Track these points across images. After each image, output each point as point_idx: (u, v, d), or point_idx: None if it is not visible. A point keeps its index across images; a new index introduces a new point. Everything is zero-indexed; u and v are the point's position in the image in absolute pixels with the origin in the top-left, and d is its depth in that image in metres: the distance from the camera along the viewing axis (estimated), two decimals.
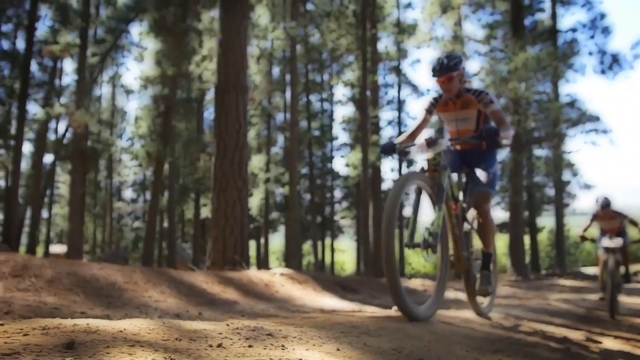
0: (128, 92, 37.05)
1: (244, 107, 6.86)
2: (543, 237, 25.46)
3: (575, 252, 26.70)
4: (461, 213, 3.63)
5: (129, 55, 31.81)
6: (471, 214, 3.79)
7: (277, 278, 5.28)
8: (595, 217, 7.07)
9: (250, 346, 1.39)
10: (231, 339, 1.45)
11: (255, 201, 26.93)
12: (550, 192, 22.91)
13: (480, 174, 3.62)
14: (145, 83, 21.16)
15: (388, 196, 2.83)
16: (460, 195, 3.68)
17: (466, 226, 3.76)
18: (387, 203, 2.80)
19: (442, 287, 3.32)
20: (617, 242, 6.36)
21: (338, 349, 1.51)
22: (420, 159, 3.36)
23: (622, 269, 6.44)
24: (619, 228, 7.06)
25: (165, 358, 1.19)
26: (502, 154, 20.64)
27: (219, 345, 1.36)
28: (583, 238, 6.90)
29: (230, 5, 7.03)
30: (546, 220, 24.76)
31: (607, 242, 6.44)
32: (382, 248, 2.69)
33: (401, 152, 3.36)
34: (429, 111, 3.64)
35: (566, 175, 21.88)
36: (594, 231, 7.49)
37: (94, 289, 3.38)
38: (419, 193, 3.10)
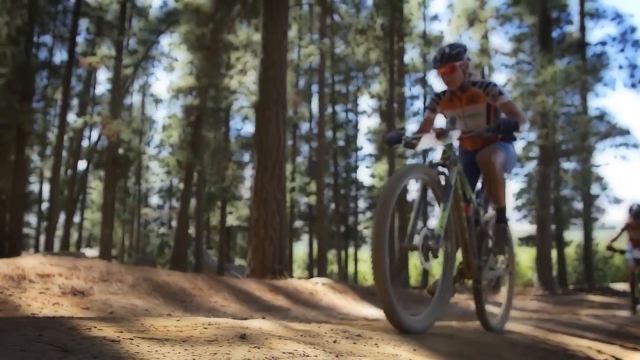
0: (157, 101, 38.01)
1: (283, 123, 7.16)
2: (570, 252, 25.10)
3: (603, 267, 26.23)
4: (474, 216, 3.28)
5: (158, 65, 32.78)
6: (486, 216, 3.47)
7: (319, 287, 5.51)
8: (627, 227, 6.69)
9: (354, 343, 1.60)
10: (336, 337, 1.67)
11: None
12: (578, 205, 22.64)
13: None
14: (176, 93, 21.74)
15: (383, 190, 2.49)
16: (474, 197, 3.34)
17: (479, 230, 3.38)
18: (381, 198, 2.44)
19: (443, 297, 2.92)
20: None
21: (414, 349, 1.72)
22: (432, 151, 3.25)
23: None
24: None
25: (311, 347, 1.44)
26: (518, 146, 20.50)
27: (335, 341, 1.58)
28: (610, 248, 6.60)
29: (272, 25, 7.35)
30: (574, 234, 24.43)
31: (638, 253, 6.23)
32: (372, 248, 2.37)
33: (407, 143, 3.04)
34: (433, 109, 3.34)
35: (595, 189, 21.61)
36: (622, 243, 7.00)
37: (169, 293, 3.65)
38: (423, 190, 2.77)
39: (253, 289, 4.65)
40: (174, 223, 41.83)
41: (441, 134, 2.85)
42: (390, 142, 3.13)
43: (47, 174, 27.64)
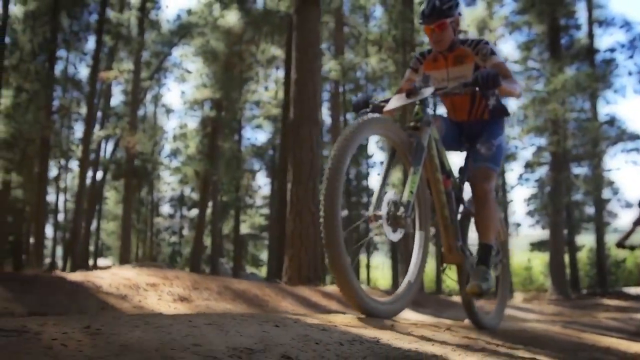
0: (169, 111, 38.64)
1: (316, 139, 7.53)
2: (583, 256, 25.24)
3: (616, 272, 26.31)
4: (456, 193, 2.93)
5: (170, 76, 33.39)
6: (470, 199, 3.07)
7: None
8: (639, 223, 6.29)
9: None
10: (455, 333, 2.05)
11: None
12: (590, 210, 22.82)
13: (482, 145, 2.93)
14: (192, 105, 22.26)
15: (335, 146, 2.14)
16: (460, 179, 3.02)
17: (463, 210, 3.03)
18: (331, 157, 2.10)
19: (415, 278, 2.53)
20: None
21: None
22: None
23: None
24: None
25: (463, 336, 1.80)
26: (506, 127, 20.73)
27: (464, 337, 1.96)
28: (620, 245, 6.23)
29: (304, 45, 7.74)
30: (585, 239, 24.57)
31: None
32: (323, 220, 2.06)
33: (375, 107, 2.70)
34: (415, 69, 2.97)
35: (606, 194, 21.81)
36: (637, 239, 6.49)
37: (247, 299, 4.00)
38: (392, 153, 2.48)
39: (308, 295, 5.00)
40: (185, 232, 42.34)
41: (412, 92, 2.51)
42: (357, 107, 2.75)
43: (62, 184, 28.23)
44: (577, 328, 4.29)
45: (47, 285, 2.76)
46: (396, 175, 18.25)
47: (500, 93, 2.80)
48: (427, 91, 2.54)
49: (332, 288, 5.85)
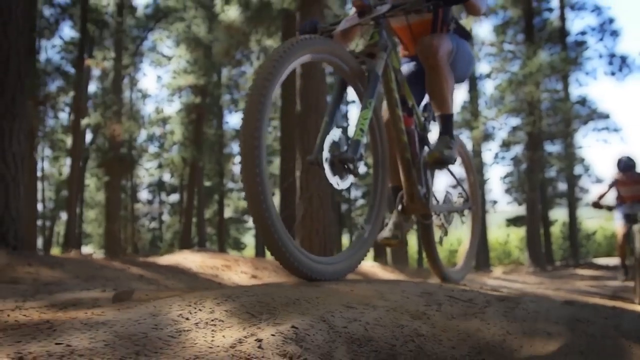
0: (145, 96, 38.27)
1: None
2: (556, 230, 26.46)
3: (587, 244, 27.73)
4: (419, 132, 2.57)
5: (146, 60, 33.05)
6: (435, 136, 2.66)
7: (376, 269, 6.42)
8: (616, 183, 6.03)
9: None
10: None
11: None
12: (563, 186, 23.92)
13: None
14: (174, 91, 22.28)
15: (257, 70, 1.78)
16: (419, 110, 2.69)
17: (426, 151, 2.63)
18: (253, 82, 1.72)
19: (371, 231, 2.24)
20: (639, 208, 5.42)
21: None
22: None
23: None
24: None
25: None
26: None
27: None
28: (597, 205, 5.89)
29: None
30: (558, 214, 25.77)
31: (628, 208, 5.58)
32: (241, 156, 1.67)
33: (324, 31, 2.27)
34: None
35: (578, 170, 22.88)
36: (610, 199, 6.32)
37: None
38: (341, 86, 2.09)
39: None
40: (164, 217, 42.27)
41: (364, 10, 2.15)
42: (302, 32, 2.30)
43: (39, 173, 27.94)
44: (566, 293, 4.90)
45: (150, 268, 3.09)
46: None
47: (467, 9, 2.41)
48: (383, 8, 2.17)
49: None
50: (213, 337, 1.02)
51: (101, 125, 16.53)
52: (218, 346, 0.96)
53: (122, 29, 19.12)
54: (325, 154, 1.85)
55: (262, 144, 1.65)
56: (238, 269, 3.91)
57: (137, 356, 0.90)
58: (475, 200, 3.11)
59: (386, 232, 2.56)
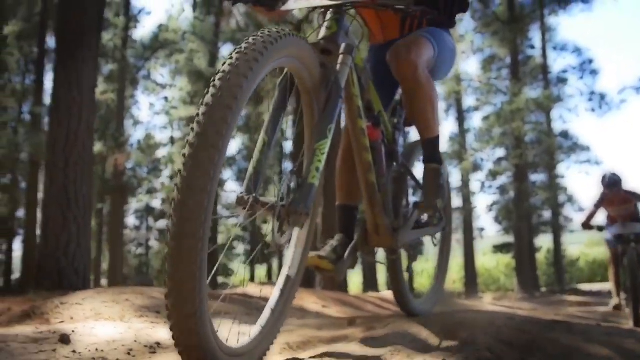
0: (136, 123, 38.74)
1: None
2: (541, 257, 27.33)
3: (571, 270, 28.64)
4: (387, 146, 2.10)
5: (140, 88, 33.67)
6: (406, 148, 2.33)
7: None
8: (603, 202, 5.65)
9: None
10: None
11: None
12: (547, 214, 24.93)
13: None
14: (173, 121, 22.93)
15: (212, 86, 1.23)
16: (386, 116, 2.14)
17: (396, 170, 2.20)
18: (204, 111, 1.20)
19: (294, 275, 1.77)
20: (633, 227, 5.06)
21: None
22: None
23: None
24: (632, 214, 5.58)
25: None
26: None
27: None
28: (587, 226, 5.54)
29: None
30: (543, 241, 26.66)
31: (620, 228, 5.16)
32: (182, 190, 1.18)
33: (263, 1, 1.79)
34: None
35: (562, 199, 23.93)
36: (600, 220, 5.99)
37: (348, 304, 5.07)
38: (285, 91, 1.49)
39: (363, 299, 6.11)
40: (151, 243, 42.23)
41: None
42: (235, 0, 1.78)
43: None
44: (569, 319, 5.49)
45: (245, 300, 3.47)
46: None
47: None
48: None
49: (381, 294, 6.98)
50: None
51: (103, 154, 17.05)
52: None
53: (126, 62, 19.83)
54: (271, 197, 1.39)
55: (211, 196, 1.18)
56: (309, 300, 4.46)
57: None
58: (449, 221, 2.65)
59: (321, 251, 1.93)
